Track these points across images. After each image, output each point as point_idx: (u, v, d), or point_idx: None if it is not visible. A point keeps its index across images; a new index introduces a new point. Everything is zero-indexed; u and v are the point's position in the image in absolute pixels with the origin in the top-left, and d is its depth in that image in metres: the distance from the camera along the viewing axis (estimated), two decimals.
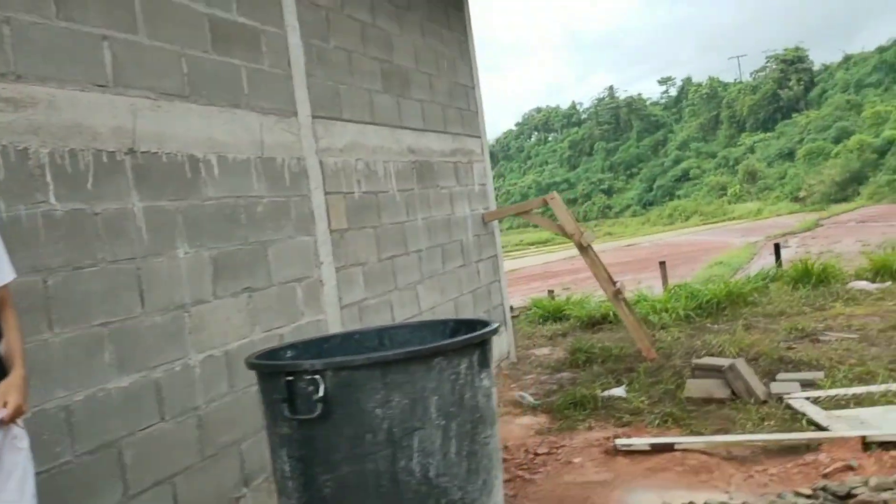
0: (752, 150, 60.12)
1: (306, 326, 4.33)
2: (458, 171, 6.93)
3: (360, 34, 5.38)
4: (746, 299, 8.49)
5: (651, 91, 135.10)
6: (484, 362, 2.64)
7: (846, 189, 42.55)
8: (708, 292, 8.45)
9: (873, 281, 8.78)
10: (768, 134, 60.85)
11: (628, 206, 71.74)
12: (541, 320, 9.58)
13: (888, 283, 8.55)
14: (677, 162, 69.99)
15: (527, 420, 5.49)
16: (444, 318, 4.10)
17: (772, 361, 6.01)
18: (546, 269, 33.05)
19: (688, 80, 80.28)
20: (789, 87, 61.46)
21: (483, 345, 2.65)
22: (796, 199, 46.38)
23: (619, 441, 4.64)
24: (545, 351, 7.84)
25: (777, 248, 12.97)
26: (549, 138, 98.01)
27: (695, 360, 5.91)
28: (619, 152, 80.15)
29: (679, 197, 63.96)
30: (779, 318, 7.75)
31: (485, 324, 2.82)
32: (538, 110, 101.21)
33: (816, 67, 63.67)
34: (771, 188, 52.09)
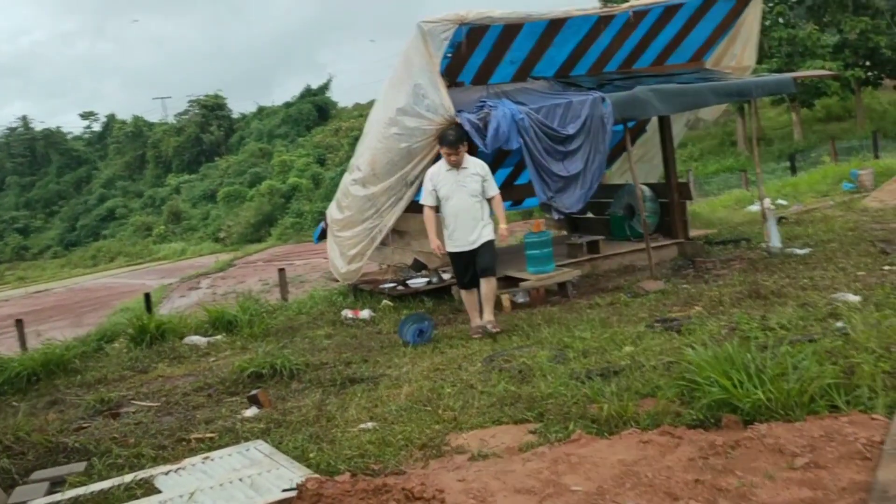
0: (177, 190, 60.41)
1: None
2: None
3: None
4: (68, 367, 7.50)
5: (73, 125, 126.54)
6: None
7: (260, 230, 45.47)
8: (18, 363, 7.21)
9: (207, 334, 8.66)
10: (193, 175, 61.94)
11: (49, 247, 65.34)
12: None
13: (220, 336, 8.51)
14: (102, 200, 66.47)
15: None
16: None
17: (45, 452, 5.10)
18: None
19: (112, 117, 77.10)
20: (211, 132, 63.68)
21: None
22: (217, 240, 47.82)
23: None
24: None
25: (147, 297, 12.35)
26: None
27: None
28: (37, 188, 72.73)
29: (105, 237, 60.70)
30: (96, 387, 6.94)
31: None
32: None
33: (235, 115, 67.40)
34: (195, 228, 52.88)
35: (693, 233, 10.62)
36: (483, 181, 6.95)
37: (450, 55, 8.58)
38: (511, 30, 8.85)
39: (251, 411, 5.62)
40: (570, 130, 8.43)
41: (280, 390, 6.12)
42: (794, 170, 24.49)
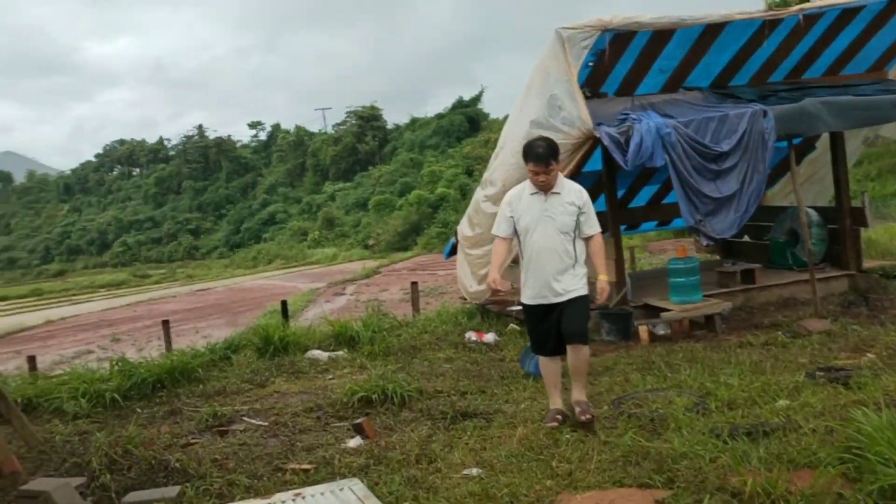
0: (332, 197, 62.68)
1: None
2: None
3: None
4: (192, 376, 7.53)
5: (242, 134, 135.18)
6: None
7: (406, 239, 46.16)
8: (145, 369, 7.30)
9: (330, 348, 8.49)
10: (348, 184, 64.12)
11: (216, 248, 69.84)
12: None
13: (342, 352, 8.31)
14: (265, 205, 70.21)
15: None
16: None
17: (147, 469, 4.99)
18: (103, 316, 29.80)
19: (277, 127, 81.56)
20: (366, 142, 65.72)
21: None
22: (367, 247, 49.06)
23: None
24: None
25: (284, 305, 12.46)
26: (134, 173, 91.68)
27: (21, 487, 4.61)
28: (209, 192, 77.99)
29: (265, 240, 64.00)
30: (214, 399, 6.89)
31: None
32: (121, 142, 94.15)
33: (390, 126, 69.20)
34: (347, 235, 54.57)
35: (867, 264, 9.35)
36: (580, 214, 5.09)
37: (591, 64, 7.97)
38: (661, 36, 8.10)
39: (354, 441, 5.28)
40: (725, 147, 7.58)
41: (388, 419, 5.76)
42: None
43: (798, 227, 8.85)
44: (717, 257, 11.28)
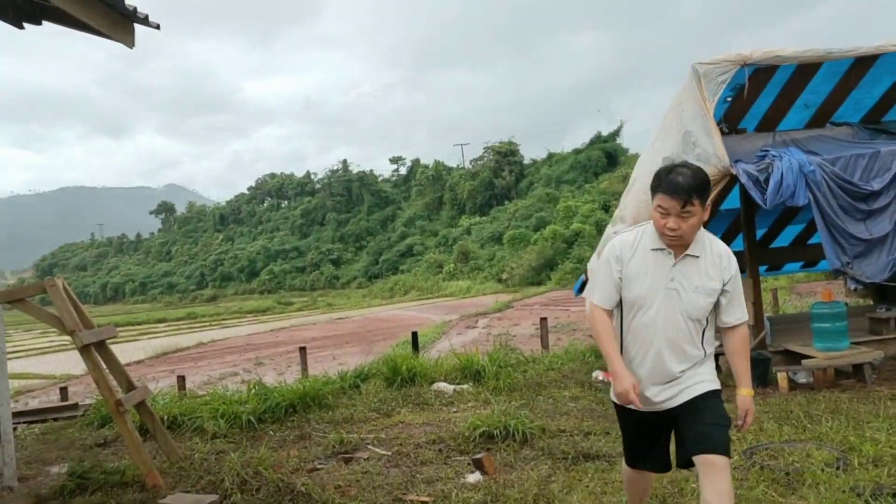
0: (468, 231, 63.58)
1: None
2: None
3: None
4: (322, 402, 7.82)
5: (383, 168, 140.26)
6: None
7: (540, 273, 45.98)
8: (279, 394, 7.66)
9: (455, 381, 8.57)
10: (483, 217, 64.90)
11: (355, 278, 72.37)
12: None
13: (467, 385, 8.37)
14: (403, 237, 72.18)
15: None
16: None
17: (274, 492, 5.22)
18: (249, 340, 31.50)
19: (416, 162, 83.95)
20: (503, 177, 66.35)
21: None
22: (500, 281, 49.26)
23: None
24: (57, 469, 6.47)
25: (415, 336, 12.69)
26: (283, 205, 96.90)
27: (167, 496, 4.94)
28: (350, 224, 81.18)
29: (402, 271, 65.66)
30: (342, 426, 7.12)
31: None
32: (272, 176, 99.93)
33: (527, 161, 69.56)
34: (481, 268, 55.08)
35: None
36: (724, 291, 3.29)
37: (729, 99, 7.72)
38: (805, 70, 7.75)
39: (474, 476, 5.30)
40: (876, 186, 7.12)
41: (508, 455, 5.74)
42: None
43: None
44: (871, 302, 10.51)
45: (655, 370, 3.33)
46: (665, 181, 3.18)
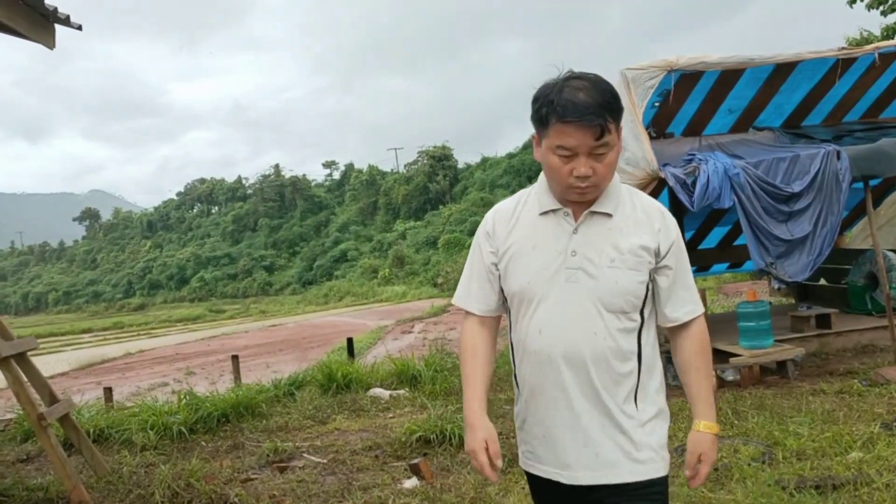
0: (403, 236, 63.46)
1: None
2: None
3: None
4: (256, 411, 7.66)
5: (316, 173, 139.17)
6: None
7: None
8: (211, 404, 7.47)
9: (392, 387, 8.52)
10: (418, 222, 64.87)
11: (289, 284, 71.36)
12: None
13: (403, 391, 8.32)
14: (337, 243, 71.57)
15: None
16: None
17: (207, 503, 5.09)
18: (179, 350, 30.68)
19: (350, 166, 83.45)
20: (437, 181, 66.48)
21: None
22: (436, 285, 49.29)
23: None
24: None
25: (350, 342, 12.62)
26: (213, 211, 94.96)
27: None
28: (283, 230, 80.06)
29: (337, 277, 65.09)
30: (276, 435, 6.98)
31: None
32: (202, 181, 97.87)
33: (460, 165, 69.92)
34: (416, 273, 55.00)
35: None
36: (662, 267, 2.14)
37: (657, 104, 7.89)
38: (730, 76, 7.98)
39: (411, 482, 5.27)
40: (796, 188, 7.37)
41: (445, 460, 5.72)
42: None
43: (877, 271, 8.48)
44: (793, 301, 10.90)
45: (561, 409, 2.12)
46: (560, 104, 1.96)
